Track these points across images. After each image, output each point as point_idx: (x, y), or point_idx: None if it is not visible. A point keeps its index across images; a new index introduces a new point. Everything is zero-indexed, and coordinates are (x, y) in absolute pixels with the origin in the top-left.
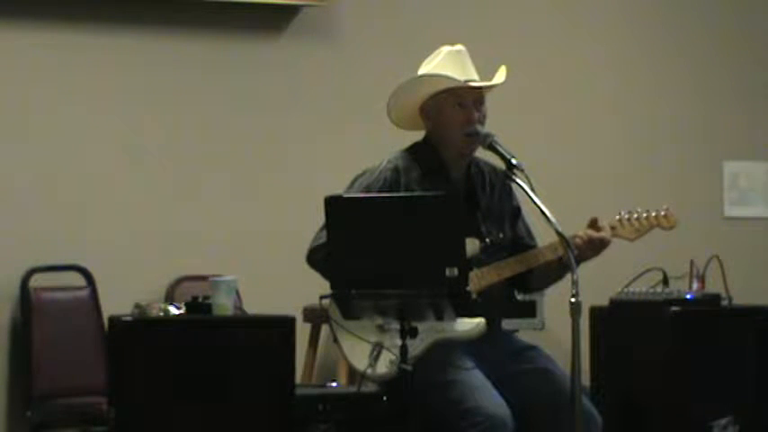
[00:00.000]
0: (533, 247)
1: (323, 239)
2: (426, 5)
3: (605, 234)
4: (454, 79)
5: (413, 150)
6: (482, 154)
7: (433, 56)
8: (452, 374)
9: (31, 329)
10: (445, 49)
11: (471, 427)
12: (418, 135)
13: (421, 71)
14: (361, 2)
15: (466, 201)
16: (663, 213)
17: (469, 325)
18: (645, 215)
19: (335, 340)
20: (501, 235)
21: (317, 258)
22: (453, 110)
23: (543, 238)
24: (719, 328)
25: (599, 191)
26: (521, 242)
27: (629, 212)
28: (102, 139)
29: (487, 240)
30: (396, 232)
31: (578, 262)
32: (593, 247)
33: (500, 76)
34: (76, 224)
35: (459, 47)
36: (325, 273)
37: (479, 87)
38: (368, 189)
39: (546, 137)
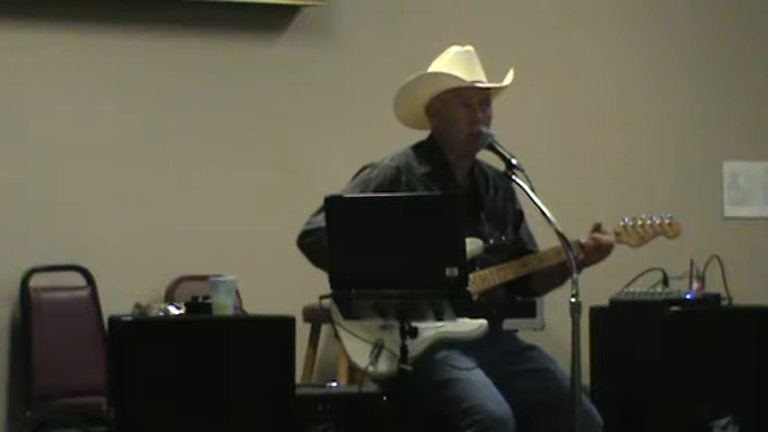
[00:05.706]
0: (535, 252)
1: (315, 224)
2: (426, 6)
3: (611, 238)
4: (461, 79)
5: (418, 149)
6: (484, 156)
7: (442, 55)
8: (453, 373)
9: (31, 329)
10: (454, 49)
11: (472, 426)
12: (419, 134)
13: (430, 70)
14: (361, 2)
15: (469, 201)
16: (668, 222)
17: (471, 326)
18: (649, 222)
19: (336, 336)
20: (503, 237)
21: (308, 242)
22: (458, 110)
23: (544, 242)
24: (719, 328)
25: (599, 191)
26: (523, 247)
27: (634, 218)
28: (102, 138)
29: (491, 241)
30: (396, 232)
31: (583, 266)
32: (600, 252)
33: (507, 78)
34: (76, 224)
35: (468, 47)
36: (313, 257)
37: (486, 88)
38: (367, 184)
39: (546, 137)
